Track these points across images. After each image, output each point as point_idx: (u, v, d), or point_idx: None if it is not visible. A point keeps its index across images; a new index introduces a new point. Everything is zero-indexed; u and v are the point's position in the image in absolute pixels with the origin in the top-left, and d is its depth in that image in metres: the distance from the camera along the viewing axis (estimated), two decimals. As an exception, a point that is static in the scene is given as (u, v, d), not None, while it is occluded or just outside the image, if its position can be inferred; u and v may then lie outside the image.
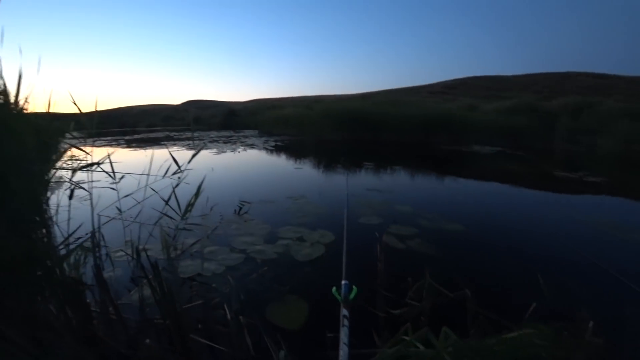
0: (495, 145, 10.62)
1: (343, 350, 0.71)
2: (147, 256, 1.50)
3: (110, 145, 9.17)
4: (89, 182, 1.72)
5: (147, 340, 1.16)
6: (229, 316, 1.50)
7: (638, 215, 3.56)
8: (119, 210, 1.97)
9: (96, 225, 1.69)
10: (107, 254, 2.06)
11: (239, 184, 4.41)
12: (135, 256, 1.95)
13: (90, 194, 1.72)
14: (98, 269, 1.27)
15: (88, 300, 1.27)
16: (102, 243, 2.07)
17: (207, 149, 8.19)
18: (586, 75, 26.28)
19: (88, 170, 1.69)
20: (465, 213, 3.30)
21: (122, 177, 2.07)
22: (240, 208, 3.17)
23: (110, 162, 1.87)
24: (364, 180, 4.91)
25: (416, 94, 26.40)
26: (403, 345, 1.03)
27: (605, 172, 6.10)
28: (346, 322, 0.78)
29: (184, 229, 2.15)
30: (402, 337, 1.11)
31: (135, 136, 13.68)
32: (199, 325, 1.48)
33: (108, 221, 2.01)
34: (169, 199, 1.93)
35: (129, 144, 9.88)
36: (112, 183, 1.93)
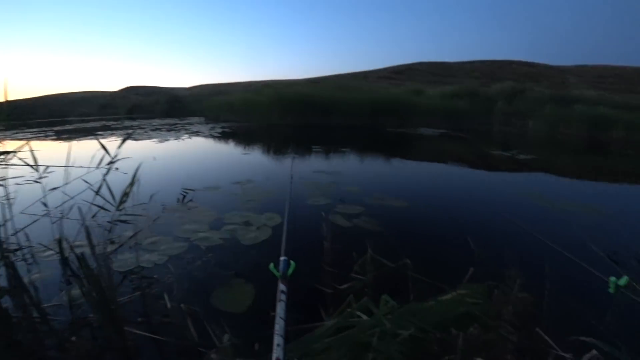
0: (439, 128, 11.16)
1: (279, 324, 0.70)
2: (77, 253, 1.37)
3: (37, 138, 8.26)
4: (5, 178, 1.54)
5: (73, 338, 1.07)
6: (169, 306, 1.44)
7: (559, 187, 3.98)
8: (46, 206, 1.78)
9: (18, 225, 1.52)
10: (32, 255, 1.87)
11: (182, 172, 4.20)
12: (64, 254, 1.79)
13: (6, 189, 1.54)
14: (14, 271, 1.14)
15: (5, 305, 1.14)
16: (27, 243, 1.88)
17: (149, 138, 7.67)
18: (519, 63, 28.28)
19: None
20: (409, 191, 3.45)
21: (47, 170, 1.85)
22: (184, 196, 3.03)
23: (32, 153, 1.68)
24: (313, 163, 4.92)
25: (364, 79, 26.80)
26: (344, 316, 1.04)
27: (534, 151, 6.73)
28: (283, 296, 0.77)
29: (122, 221, 2.01)
30: (346, 310, 1.13)
31: (67, 127, 12.42)
32: (139, 319, 1.40)
33: (35, 220, 1.82)
34: (99, 188, 1.77)
35: (59, 136, 8.96)
36: (40, 178, 1.74)
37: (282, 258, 0.96)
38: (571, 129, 10.13)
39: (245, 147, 6.42)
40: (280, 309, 0.76)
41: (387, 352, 0.92)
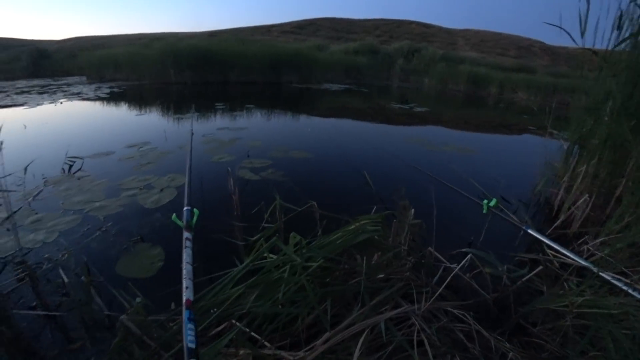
0: (342, 83, 11.50)
1: (187, 269, 0.73)
2: None
3: None
4: None
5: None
6: (67, 281, 1.34)
7: (444, 134, 4.66)
8: None
9: None
10: None
11: (65, 140, 3.64)
12: None
13: None
14: None
15: None
16: None
17: (15, 103, 6.33)
18: (416, 24, 29.97)
19: None
20: (313, 143, 3.61)
21: None
22: (70, 166, 2.69)
23: None
24: (215, 121, 4.73)
25: (267, 33, 25.72)
26: (253, 258, 1.11)
27: (428, 105, 7.53)
28: (188, 243, 0.79)
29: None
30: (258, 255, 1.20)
31: None
32: (33, 303, 1.28)
33: None
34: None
35: None
36: None
37: (185, 208, 0.97)
38: (458, 86, 11.59)
39: (139, 109, 5.79)
40: (186, 254, 0.79)
41: (298, 283, 1.03)
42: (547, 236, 1.47)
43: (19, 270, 1.45)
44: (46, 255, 1.57)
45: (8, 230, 1.77)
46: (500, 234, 1.86)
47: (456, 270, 1.23)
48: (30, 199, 2.11)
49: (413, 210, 1.53)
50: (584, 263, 1.27)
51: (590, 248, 1.60)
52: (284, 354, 0.90)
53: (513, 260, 1.58)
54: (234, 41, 13.10)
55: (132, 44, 16.89)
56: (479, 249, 1.41)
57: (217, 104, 6.21)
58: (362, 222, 1.28)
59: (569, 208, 2.01)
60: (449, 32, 28.91)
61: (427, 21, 31.03)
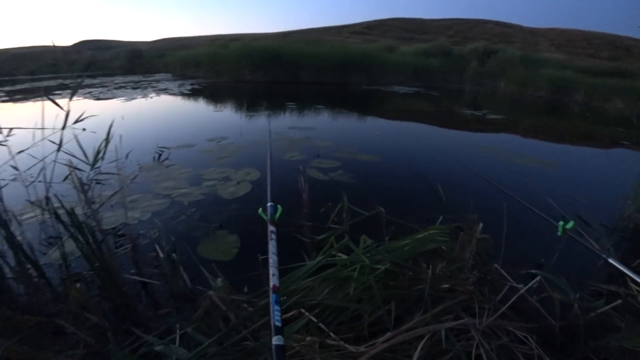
0: (412, 85, 11.22)
1: (272, 259, 0.80)
2: (68, 210, 1.38)
3: None
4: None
5: (78, 285, 1.14)
6: (161, 255, 1.51)
7: (521, 145, 4.29)
8: (16, 169, 1.73)
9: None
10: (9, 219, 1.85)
11: (155, 130, 4.10)
12: (50, 214, 1.76)
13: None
14: (7, 231, 1.16)
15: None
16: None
17: (114, 97, 7.23)
18: (494, 23, 28.16)
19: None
20: (382, 146, 3.59)
21: (11, 132, 1.78)
22: (160, 154, 3.01)
23: None
24: (286, 120, 4.94)
25: (337, 34, 25.99)
26: (325, 256, 1.16)
27: (503, 111, 7.02)
28: (273, 236, 0.86)
29: (97, 181, 2.00)
30: (328, 252, 1.25)
31: (18, 86, 11.41)
32: (131, 271, 1.47)
33: (5, 184, 1.77)
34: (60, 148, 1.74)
35: (12, 97, 8.27)
36: (3, 141, 1.67)
37: (269, 204, 1.05)
38: (538, 91, 10.50)
39: (216, 104, 6.27)
40: (272, 246, 0.86)
41: (366, 283, 1.06)
42: (632, 268, 1.31)
43: (122, 240, 1.68)
44: (141, 231, 1.79)
45: (112, 207, 2.05)
46: (575, 260, 1.69)
47: (522, 291, 1.17)
48: (129, 182, 2.41)
49: (481, 224, 1.47)
50: None
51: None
52: (347, 345, 0.94)
53: (588, 289, 1.43)
54: (305, 42, 13.46)
55: (212, 43, 18.19)
56: (550, 273, 1.32)
57: (288, 103, 6.47)
58: (431, 231, 1.27)
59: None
60: (531, 31, 26.63)
61: (506, 20, 28.86)
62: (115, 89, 8.97)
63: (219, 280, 1.30)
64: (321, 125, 4.53)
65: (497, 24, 28.28)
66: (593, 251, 1.46)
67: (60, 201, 1.36)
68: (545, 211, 1.84)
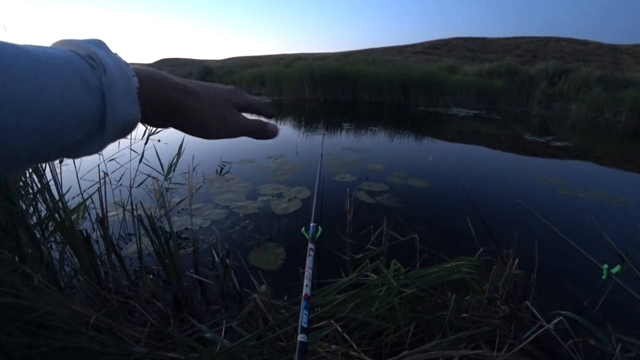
0: (473, 107, 10.90)
1: (308, 272, 0.94)
2: (146, 212, 1.66)
3: None
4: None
5: (151, 276, 1.37)
6: (217, 259, 1.72)
7: (587, 177, 3.97)
8: (106, 173, 2.07)
9: (84, 188, 1.81)
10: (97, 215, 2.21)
11: (219, 145, 4.50)
12: (131, 213, 2.08)
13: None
14: (102, 223, 1.44)
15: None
16: (91, 205, 2.21)
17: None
18: (567, 40, 26.39)
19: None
20: (433, 171, 3.59)
21: None
22: (222, 168, 3.34)
23: None
24: (341, 140, 5.12)
25: (399, 54, 26.09)
26: (358, 274, 1.27)
27: (571, 138, 6.53)
28: (311, 252, 1.00)
29: (168, 189, 2.30)
30: (361, 271, 1.36)
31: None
32: (191, 270, 1.70)
33: (93, 184, 2.13)
34: (138, 159, 2.04)
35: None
36: None
37: (312, 224, 1.19)
38: (618, 115, 9.51)
39: (277, 121, 6.66)
40: (309, 261, 1.00)
41: (391, 303, 1.15)
42: None
43: (185, 243, 1.93)
44: (201, 237, 2.04)
45: (178, 212, 2.35)
46: (620, 307, 1.59)
47: (547, 327, 1.16)
48: (194, 192, 2.72)
49: (517, 260, 1.47)
50: None
51: None
52: (366, 357, 1.04)
53: (628, 340, 1.35)
54: (365, 62, 13.72)
55: (277, 62, 19.26)
56: (591, 318, 1.28)
57: (344, 123, 6.67)
58: (459, 262, 1.32)
59: None
60: (612, 48, 24.34)
61: (582, 37, 26.70)
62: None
63: (263, 286, 1.47)
64: (375, 147, 4.64)
65: (572, 41, 26.37)
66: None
67: (141, 204, 1.62)
68: (599, 253, 1.76)
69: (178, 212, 2.36)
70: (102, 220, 1.40)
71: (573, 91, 11.39)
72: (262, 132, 0.41)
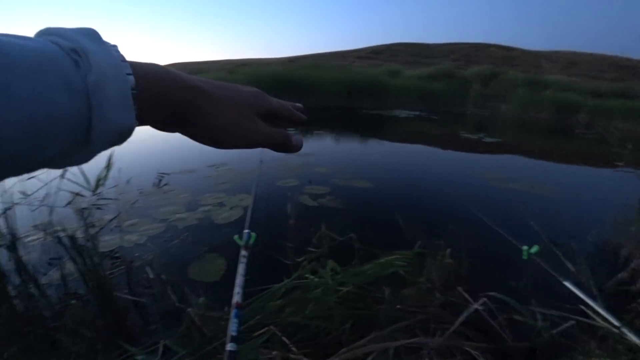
0: (414, 109, 11.45)
1: (239, 279, 0.93)
2: (68, 234, 1.53)
3: None
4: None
5: (73, 301, 1.27)
6: (151, 276, 1.64)
7: (515, 168, 4.37)
8: (24, 194, 1.90)
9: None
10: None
11: (157, 156, 4.31)
12: (51, 237, 1.91)
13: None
14: (14, 251, 1.31)
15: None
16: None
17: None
18: (496, 47, 28.77)
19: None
20: (376, 171, 3.73)
21: None
22: (160, 180, 3.19)
23: None
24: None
25: (343, 59, 26.70)
26: (295, 278, 1.28)
27: (501, 134, 7.16)
28: (244, 259, 0.99)
29: (98, 207, 2.15)
30: (299, 274, 1.37)
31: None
32: (125, 291, 1.60)
33: (10, 207, 1.94)
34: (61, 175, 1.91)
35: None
36: None
37: (245, 230, 1.18)
38: (540, 113, 10.62)
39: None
40: (241, 268, 0.99)
41: (327, 303, 1.17)
42: (590, 293, 1.39)
43: (117, 262, 1.82)
44: (136, 254, 1.93)
45: (111, 230, 2.20)
46: (543, 284, 1.77)
47: (474, 306, 1.26)
48: (128, 207, 2.57)
49: (449, 250, 1.57)
50: (616, 323, 1.19)
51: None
52: (304, 359, 1.05)
53: (550, 312, 1.51)
54: (312, 67, 13.86)
55: (221, 68, 18.81)
56: (517, 297, 1.40)
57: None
58: (391, 257, 1.39)
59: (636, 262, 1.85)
60: (534, 54, 27.00)
61: (509, 44, 29.44)
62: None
63: (202, 299, 1.43)
64: (320, 151, 4.69)
65: (500, 47, 28.80)
66: (556, 276, 1.55)
67: (62, 225, 1.50)
68: (524, 237, 1.93)
69: (111, 230, 2.22)
70: (13, 245, 1.28)
71: (502, 92, 12.46)
72: (285, 145, 0.35)
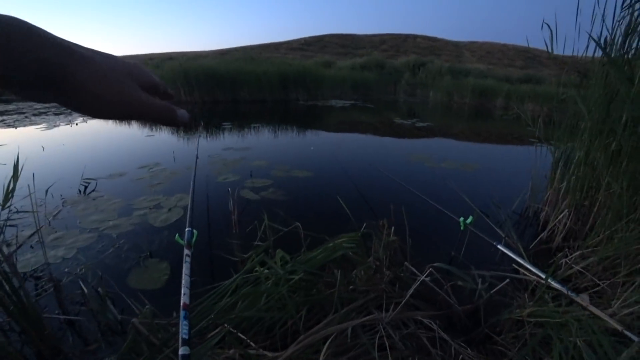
0: (349, 99, 11.77)
1: (185, 279, 0.89)
2: None
3: None
4: None
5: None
6: (86, 291, 1.51)
7: (445, 150, 4.72)
8: None
9: None
10: None
11: (81, 160, 3.90)
12: None
13: None
14: None
15: None
16: None
17: (33, 124, 6.68)
18: (422, 37, 30.48)
19: None
20: (315, 161, 3.79)
21: None
22: (86, 187, 2.91)
23: None
24: (222, 140, 4.97)
25: (276, 51, 26.44)
26: (242, 272, 1.27)
27: (432, 119, 7.70)
28: (188, 259, 0.95)
29: (10, 223, 1.90)
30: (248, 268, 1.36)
31: None
32: (56, 311, 1.45)
33: None
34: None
35: None
36: None
37: (187, 229, 1.14)
38: (464, 98, 11.72)
39: (149, 128, 6.09)
40: (185, 268, 0.95)
41: (279, 293, 1.18)
42: (530, 250, 1.58)
43: (44, 282, 1.64)
44: (66, 269, 1.76)
45: (32, 247, 1.98)
46: (480, 250, 1.97)
47: (421, 278, 1.36)
48: (50, 218, 2.32)
49: (393, 228, 1.66)
50: (542, 276, 1.38)
51: (568, 262, 1.70)
52: (265, 352, 1.05)
53: (489, 274, 1.68)
54: (244, 60, 13.51)
55: (144, 62, 17.54)
56: (458, 265, 1.54)
57: (224, 123, 6.48)
58: (339, 240, 1.43)
59: (552, 223, 2.12)
60: (456, 45, 29.23)
61: (434, 35, 31.59)
62: (34, 115, 8.28)
63: (147, 307, 1.35)
64: (257, 145, 4.63)
65: (426, 38, 30.65)
66: (490, 241, 1.73)
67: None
68: (462, 210, 2.12)
69: (32, 247, 1.99)
70: None
71: (430, 80, 13.48)
72: (172, 118, 0.33)
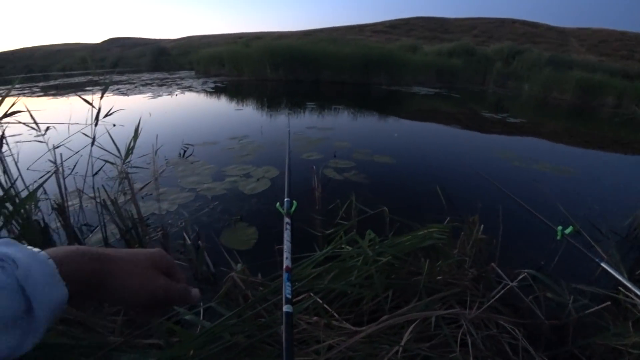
0: (433, 86, 11.18)
1: (287, 245, 0.93)
2: (111, 199, 1.55)
3: (24, 95, 8.02)
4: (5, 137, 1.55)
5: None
6: (188, 242, 1.68)
7: (539, 150, 4.26)
8: (54, 163, 1.90)
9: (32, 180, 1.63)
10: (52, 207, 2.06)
11: (180, 127, 4.33)
12: (94, 200, 1.91)
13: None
14: (62, 211, 1.35)
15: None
16: (44, 196, 2.03)
17: (141, 93, 7.58)
18: (520, 22, 27.48)
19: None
20: (398, 148, 3.69)
21: (48, 128, 1.98)
22: (185, 151, 3.22)
23: (29, 112, 1.72)
24: (306, 119, 5.09)
25: (360, 33, 26.00)
26: (333, 246, 1.30)
27: (524, 115, 6.92)
28: (288, 227, 1.00)
29: (127, 174, 2.18)
30: (336, 243, 1.39)
31: (52, 82, 12.09)
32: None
33: (49, 176, 1.97)
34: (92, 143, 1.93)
35: (46, 92, 8.75)
36: (39, 135, 1.82)
37: (286, 199, 1.19)
38: (564, 94, 10.13)
39: (239, 103, 6.48)
40: (287, 235, 1.00)
41: (368, 271, 1.19)
42: (627, 275, 1.37)
43: (151, 229, 1.86)
44: (169, 221, 1.97)
45: (142, 198, 2.25)
46: (576, 264, 1.76)
47: (511, 284, 1.26)
48: (157, 176, 2.61)
49: (482, 225, 1.56)
50: None
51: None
52: (348, 325, 1.07)
53: (584, 292, 1.50)
54: (327, 41, 13.55)
55: (234, 42, 18.55)
56: (547, 275, 1.40)
57: (308, 102, 6.62)
58: (430, 229, 1.38)
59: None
60: (560, 31, 25.77)
61: (534, 19, 28.16)
62: (142, 85, 9.35)
63: (240, 265, 1.46)
64: (339, 126, 4.65)
65: (524, 23, 27.56)
66: (591, 256, 1.53)
67: (104, 190, 1.53)
68: (553, 217, 1.91)
69: (142, 198, 2.27)
70: (62, 208, 1.31)
71: (525, 71, 11.96)
72: (185, 298, 0.40)
